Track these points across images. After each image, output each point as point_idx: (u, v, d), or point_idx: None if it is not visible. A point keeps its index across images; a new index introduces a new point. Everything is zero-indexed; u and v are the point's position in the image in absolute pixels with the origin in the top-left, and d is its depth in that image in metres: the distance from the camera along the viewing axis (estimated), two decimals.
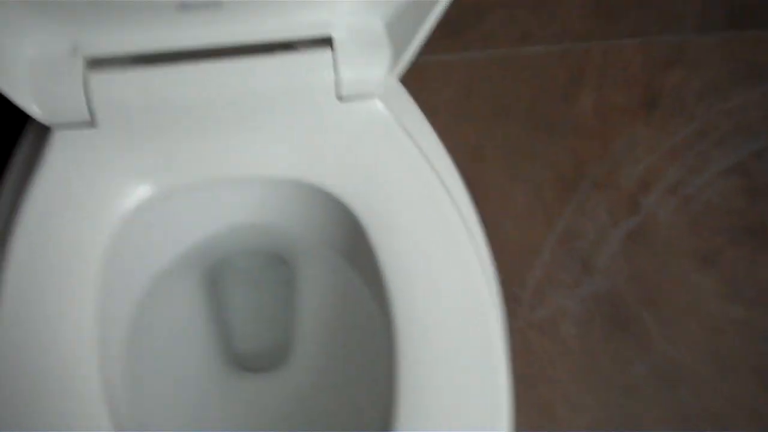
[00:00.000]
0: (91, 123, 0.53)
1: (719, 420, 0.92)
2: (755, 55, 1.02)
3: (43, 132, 0.55)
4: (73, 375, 0.51)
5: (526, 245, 0.95)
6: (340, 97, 0.56)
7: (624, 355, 0.93)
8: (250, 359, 0.77)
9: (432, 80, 0.74)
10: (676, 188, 0.98)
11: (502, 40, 1.00)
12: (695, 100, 1.01)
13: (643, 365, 0.93)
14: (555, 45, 1.01)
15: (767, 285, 0.96)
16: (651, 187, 0.98)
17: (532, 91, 1.00)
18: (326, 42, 0.55)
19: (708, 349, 0.94)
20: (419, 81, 0.74)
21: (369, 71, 0.56)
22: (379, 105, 0.57)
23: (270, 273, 0.80)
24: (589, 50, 1.01)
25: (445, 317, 0.54)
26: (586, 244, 0.96)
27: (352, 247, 0.64)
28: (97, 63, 0.54)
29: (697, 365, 0.93)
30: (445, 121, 0.71)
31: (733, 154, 1.00)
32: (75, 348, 0.51)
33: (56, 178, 0.53)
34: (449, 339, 0.53)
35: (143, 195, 0.55)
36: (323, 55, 0.55)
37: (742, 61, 1.01)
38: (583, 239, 0.96)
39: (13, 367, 0.50)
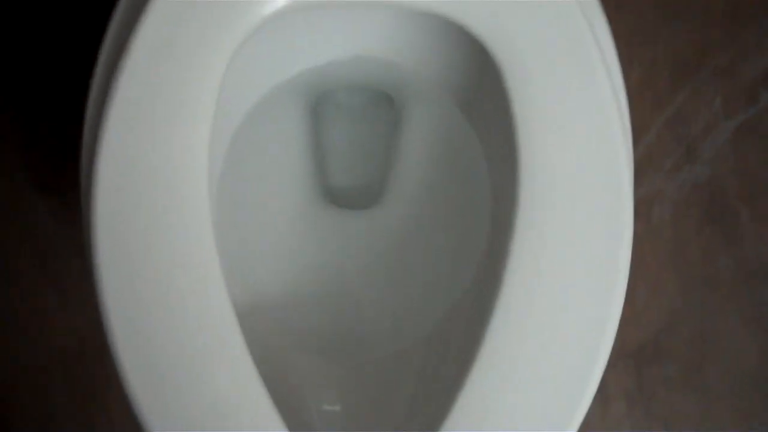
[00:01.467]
0: None
1: None
2: None
3: None
4: (185, 193, 0.50)
5: (633, 123, 0.93)
6: None
7: (713, 247, 0.92)
8: (344, 195, 0.77)
9: None
10: None
11: None
12: None
13: (731, 259, 0.92)
14: None
15: None
16: None
17: None
18: None
19: None
20: None
21: None
22: None
23: (375, 111, 0.79)
24: None
25: (576, 185, 0.51)
26: (695, 131, 0.93)
27: (476, 94, 0.62)
28: None
29: None
30: None
31: None
32: (186, 158, 0.51)
33: None
34: (575, 209, 0.51)
35: (278, 4, 0.54)
36: None
37: None
38: (691, 126, 0.93)
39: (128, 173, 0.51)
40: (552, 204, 0.51)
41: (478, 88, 0.62)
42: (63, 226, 0.90)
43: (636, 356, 0.91)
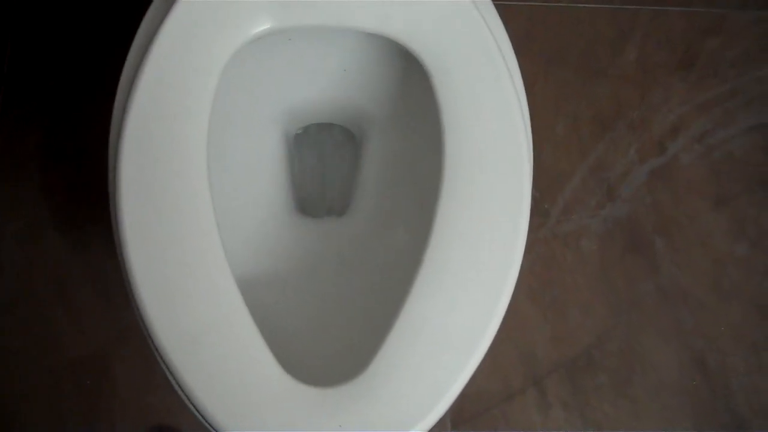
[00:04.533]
0: None
1: (711, 341, 1.04)
2: None
3: None
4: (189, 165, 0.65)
5: (560, 170, 1.09)
6: None
7: (635, 273, 1.06)
8: (315, 207, 0.91)
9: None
10: (701, 138, 1.10)
11: None
12: (729, 66, 1.13)
13: (651, 284, 1.05)
14: (608, 4, 1.14)
15: None
16: (679, 134, 1.10)
17: (584, 40, 1.13)
18: None
19: (711, 279, 1.06)
20: None
21: None
22: None
23: (340, 145, 0.94)
24: (638, 12, 1.14)
25: (488, 174, 0.66)
26: (614, 174, 1.09)
27: (418, 106, 0.77)
28: None
29: (699, 291, 1.05)
30: None
31: (757, 115, 1.11)
32: (191, 148, 0.65)
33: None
34: (487, 185, 0.66)
35: (262, 27, 0.70)
36: None
37: None
38: (611, 170, 1.09)
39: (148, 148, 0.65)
40: (469, 177, 0.65)
41: (416, 102, 0.76)
42: (78, 256, 1.03)
43: (570, 368, 1.02)
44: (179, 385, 0.60)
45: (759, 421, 1.02)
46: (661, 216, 1.08)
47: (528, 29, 1.13)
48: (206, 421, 0.60)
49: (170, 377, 0.62)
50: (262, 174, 0.84)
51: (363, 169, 0.87)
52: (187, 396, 0.60)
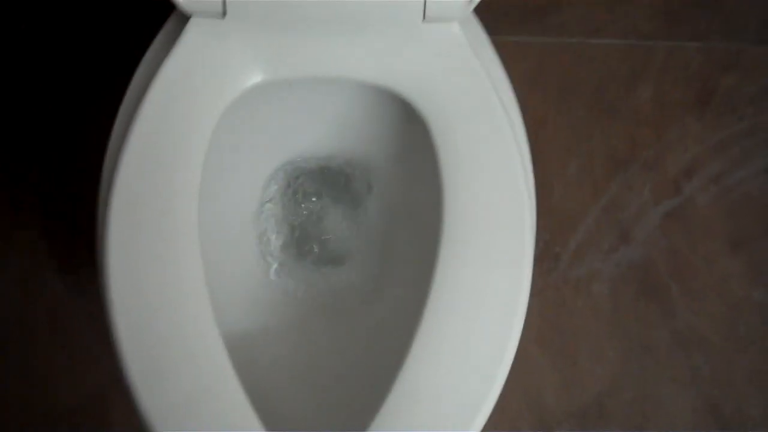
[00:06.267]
0: (222, 13, 0.67)
1: (727, 388, 1.01)
2: None
3: (182, 20, 0.69)
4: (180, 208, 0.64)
5: (572, 211, 1.06)
6: (425, 18, 0.68)
7: (648, 319, 1.03)
8: (316, 255, 0.89)
9: (508, 56, 0.85)
10: (718, 178, 1.08)
11: (576, 30, 1.11)
12: (746, 103, 1.10)
13: (665, 330, 1.03)
14: (623, 40, 1.12)
15: None
16: (694, 174, 1.08)
17: (597, 77, 1.11)
18: None
19: (727, 325, 1.03)
20: None
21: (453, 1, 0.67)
22: (456, 28, 0.69)
23: (338, 191, 0.92)
24: (653, 48, 1.11)
25: (487, 221, 0.64)
26: (627, 216, 1.06)
27: (417, 159, 0.76)
28: None
29: (714, 337, 1.03)
30: (516, 90, 0.83)
31: None
32: (182, 205, 0.64)
33: (189, 53, 0.67)
34: (487, 246, 0.64)
35: (254, 80, 0.68)
36: None
37: None
38: (625, 212, 1.06)
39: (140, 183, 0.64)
40: (469, 232, 0.64)
41: (415, 154, 0.75)
42: (75, 299, 1.02)
43: (580, 417, 1.00)
44: None
45: None
46: (675, 259, 1.05)
47: (540, 66, 1.10)
48: None
49: None
50: (254, 222, 0.83)
51: (361, 217, 0.86)
52: None
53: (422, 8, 0.67)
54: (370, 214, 0.85)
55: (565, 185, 1.06)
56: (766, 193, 1.07)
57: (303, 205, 0.88)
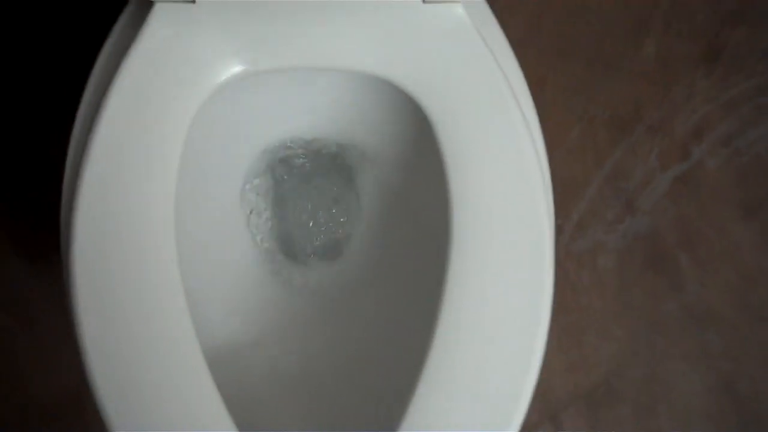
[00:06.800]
0: None
1: (740, 365, 0.96)
2: None
3: (145, 5, 0.60)
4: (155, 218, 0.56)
5: (574, 179, 0.99)
6: (425, 0, 0.60)
7: (657, 293, 0.97)
8: (303, 252, 0.82)
9: (504, 11, 0.77)
10: (728, 140, 1.01)
11: None
12: (757, 58, 1.02)
13: (674, 304, 0.97)
14: None
15: None
16: (704, 136, 1.00)
17: (598, 33, 1.02)
18: None
19: (739, 297, 0.97)
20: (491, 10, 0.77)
21: None
22: (460, 10, 0.60)
23: (331, 179, 0.85)
24: None
25: (501, 227, 0.57)
26: (633, 184, 0.99)
27: (418, 149, 0.68)
28: None
29: (726, 310, 0.97)
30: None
31: None
32: (156, 212, 0.56)
33: (155, 46, 0.58)
34: (501, 251, 0.57)
35: (233, 71, 0.59)
36: None
37: None
38: (630, 179, 0.99)
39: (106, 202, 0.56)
40: (481, 239, 0.57)
41: (421, 143, 0.67)
42: (45, 287, 0.94)
43: (588, 399, 0.95)
44: None
45: None
46: (685, 229, 0.98)
47: (538, 22, 1.01)
48: None
49: None
50: (239, 219, 0.75)
51: (356, 207, 0.78)
52: None
53: None
54: (366, 202, 0.77)
55: (567, 152, 0.99)
56: None
57: (290, 193, 0.80)
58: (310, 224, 0.82)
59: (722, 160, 1.00)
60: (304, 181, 0.84)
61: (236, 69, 0.60)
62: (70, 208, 0.56)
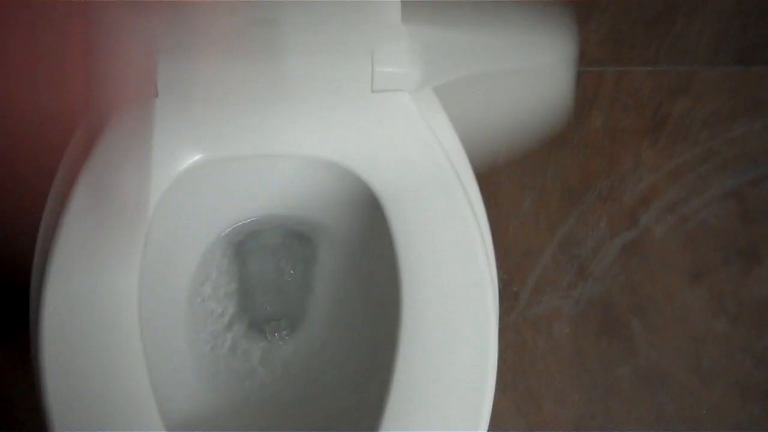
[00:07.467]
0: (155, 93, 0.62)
1: (693, 426, 0.99)
2: (760, 90, 1.08)
3: None
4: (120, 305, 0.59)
5: (528, 248, 1.03)
6: (373, 90, 0.64)
7: (611, 357, 1.00)
8: (265, 324, 0.85)
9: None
10: (674, 207, 1.05)
11: None
12: (700, 128, 1.08)
13: (628, 368, 1.00)
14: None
15: (752, 303, 1.02)
16: (651, 204, 1.05)
17: None
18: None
19: (691, 359, 1.01)
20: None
21: (402, 72, 0.64)
22: (406, 98, 0.65)
23: (292, 249, 0.88)
24: (603, 74, 1.08)
25: (448, 302, 0.60)
26: (585, 251, 1.03)
27: (371, 227, 0.72)
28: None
29: (678, 373, 1.00)
30: None
31: (731, 180, 1.06)
32: (123, 281, 0.59)
33: (119, 136, 0.62)
34: (448, 325, 0.60)
35: (192, 159, 0.63)
36: (364, 59, 0.63)
37: (747, 95, 1.08)
38: (582, 246, 1.03)
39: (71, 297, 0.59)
40: (428, 317, 0.60)
41: (372, 222, 0.71)
42: (15, 370, 0.95)
43: None
44: None
45: None
46: (635, 294, 1.02)
47: None
48: None
49: None
50: (199, 298, 0.78)
51: (315, 283, 0.81)
52: None
53: (369, 82, 0.63)
54: (324, 277, 0.80)
55: (521, 222, 1.03)
56: (722, 221, 1.05)
57: (251, 272, 0.83)
58: (270, 299, 0.85)
59: (668, 226, 1.04)
60: (264, 258, 0.87)
61: (194, 157, 0.64)
62: (38, 309, 0.58)
